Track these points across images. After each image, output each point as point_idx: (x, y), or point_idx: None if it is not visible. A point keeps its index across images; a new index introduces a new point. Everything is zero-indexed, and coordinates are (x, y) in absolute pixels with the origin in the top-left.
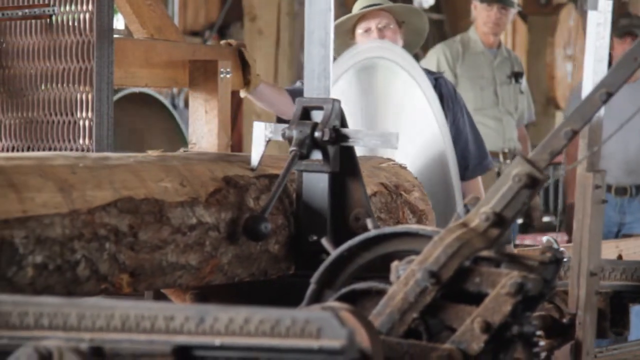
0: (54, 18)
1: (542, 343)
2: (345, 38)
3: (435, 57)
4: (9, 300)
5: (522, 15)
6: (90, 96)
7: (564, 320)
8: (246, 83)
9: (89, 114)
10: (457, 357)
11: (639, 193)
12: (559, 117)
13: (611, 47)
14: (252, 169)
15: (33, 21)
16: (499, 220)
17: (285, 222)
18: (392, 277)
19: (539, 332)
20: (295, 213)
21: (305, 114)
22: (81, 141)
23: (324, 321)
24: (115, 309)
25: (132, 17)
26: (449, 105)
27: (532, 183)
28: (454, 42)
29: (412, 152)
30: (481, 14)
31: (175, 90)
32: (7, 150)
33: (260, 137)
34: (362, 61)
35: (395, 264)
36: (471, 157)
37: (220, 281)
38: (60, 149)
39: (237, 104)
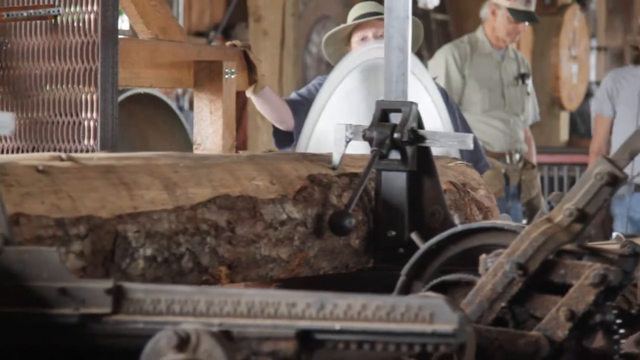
0: (58, 19)
1: (622, 331)
2: (340, 45)
3: (444, 58)
4: (142, 289)
5: None
6: (95, 97)
7: (632, 312)
8: (252, 83)
9: (94, 115)
10: (544, 343)
11: None
12: (564, 117)
13: (638, 41)
14: (334, 168)
15: (38, 22)
16: (582, 216)
17: (365, 218)
18: (481, 269)
19: (618, 321)
20: (374, 210)
21: (384, 116)
22: (86, 142)
23: (437, 307)
24: (242, 296)
25: (136, 18)
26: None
27: (612, 181)
28: (461, 43)
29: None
30: (505, 25)
31: (180, 90)
32: (11, 151)
33: (341, 138)
34: (367, 62)
35: (483, 257)
36: (464, 159)
37: (307, 274)
38: (65, 150)
39: (242, 105)
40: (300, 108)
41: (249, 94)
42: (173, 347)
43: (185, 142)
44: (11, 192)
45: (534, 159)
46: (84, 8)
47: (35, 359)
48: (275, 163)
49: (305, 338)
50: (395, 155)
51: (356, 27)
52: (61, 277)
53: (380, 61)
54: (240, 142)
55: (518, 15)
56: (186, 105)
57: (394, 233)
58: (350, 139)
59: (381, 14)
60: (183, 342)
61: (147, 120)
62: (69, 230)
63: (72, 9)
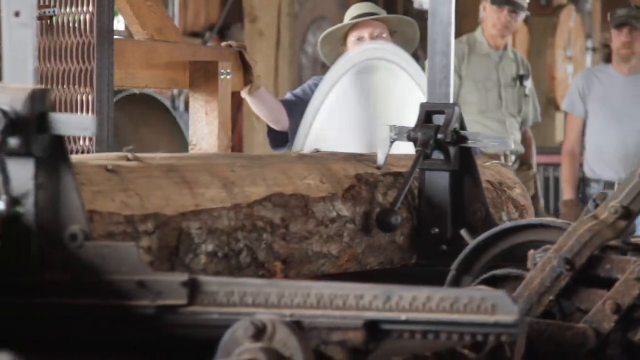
0: (54, 19)
1: None
2: (336, 45)
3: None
4: (216, 282)
5: None
6: (90, 97)
7: None
8: (247, 84)
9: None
10: (590, 335)
11: None
12: (560, 118)
13: (609, 39)
14: (379, 168)
15: None
16: (627, 214)
17: (409, 216)
18: (530, 264)
19: None
20: (418, 208)
21: (428, 117)
22: (81, 142)
23: (498, 299)
24: (311, 288)
25: (132, 19)
26: None
27: None
28: (459, 43)
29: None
30: (491, 16)
31: (176, 91)
32: None
33: (386, 138)
34: (363, 62)
35: (532, 253)
36: None
37: (355, 269)
38: None
39: (237, 106)
40: (296, 109)
41: (244, 94)
42: (250, 337)
43: (181, 143)
44: (84, 190)
45: (534, 160)
46: (79, 9)
47: (115, 349)
48: (324, 163)
49: (373, 328)
50: (438, 155)
51: (352, 28)
52: (139, 271)
53: (376, 62)
54: (236, 143)
55: (499, 2)
56: (182, 107)
57: (437, 230)
58: (394, 140)
59: (376, 14)
60: (260, 332)
61: (143, 121)
62: (138, 227)
63: (68, 9)
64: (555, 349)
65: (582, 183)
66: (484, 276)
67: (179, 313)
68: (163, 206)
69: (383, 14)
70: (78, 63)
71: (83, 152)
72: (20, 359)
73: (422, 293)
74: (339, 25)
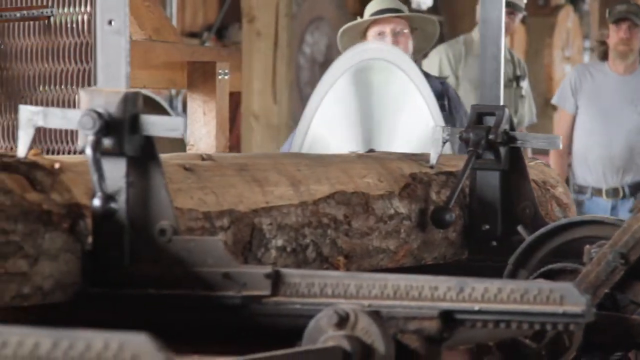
0: (52, 19)
1: None
2: (356, 38)
3: (438, 58)
4: (297, 274)
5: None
6: None
7: None
8: None
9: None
10: None
11: (633, 193)
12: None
13: (606, 35)
14: (431, 167)
15: (31, 22)
16: None
17: (460, 213)
18: (585, 258)
19: None
20: (469, 205)
21: (479, 119)
22: (79, 142)
23: (566, 290)
24: (388, 280)
25: (130, 19)
26: (456, 109)
27: None
28: (456, 43)
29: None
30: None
31: (173, 91)
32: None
33: (438, 139)
34: (360, 62)
35: (587, 248)
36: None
37: (410, 264)
38: (58, 151)
39: (235, 106)
40: None
41: None
42: (333, 325)
43: (178, 143)
44: None
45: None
46: (77, 9)
47: (203, 337)
48: (381, 162)
49: (447, 318)
50: (489, 155)
51: (374, 22)
52: (225, 263)
53: (374, 62)
54: (234, 143)
55: (513, 6)
56: (179, 107)
57: (487, 227)
58: (446, 140)
59: (399, 10)
60: (342, 320)
61: None
62: (215, 223)
63: (66, 9)
64: (610, 340)
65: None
66: (541, 270)
67: (262, 303)
68: (237, 203)
69: (404, 8)
70: (76, 63)
71: (82, 152)
72: (158, 340)
73: (493, 285)
74: (361, 20)
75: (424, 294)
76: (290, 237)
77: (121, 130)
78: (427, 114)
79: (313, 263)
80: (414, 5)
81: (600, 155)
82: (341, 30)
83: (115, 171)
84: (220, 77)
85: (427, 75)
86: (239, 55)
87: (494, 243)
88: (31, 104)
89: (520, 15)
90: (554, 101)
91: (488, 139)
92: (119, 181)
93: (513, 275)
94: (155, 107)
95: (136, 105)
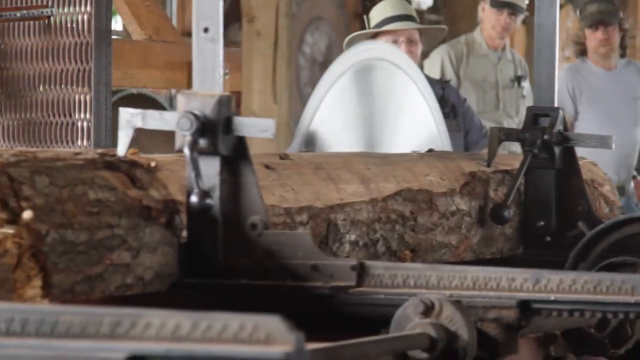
0: (52, 19)
1: None
2: (365, 40)
3: (440, 59)
4: (381, 266)
5: None
6: (88, 97)
7: None
8: None
9: (87, 115)
10: None
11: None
12: None
13: (583, 38)
14: (488, 166)
15: (31, 22)
16: None
17: (516, 210)
18: None
19: None
20: (525, 203)
21: (535, 120)
22: (79, 142)
23: (637, 281)
24: (467, 272)
25: (130, 19)
26: (458, 112)
27: None
28: (458, 44)
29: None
30: (490, 18)
31: (173, 91)
32: None
33: (494, 139)
34: (360, 62)
35: None
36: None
37: (470, 258)
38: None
39: (235, 106)
40: None
41: None
42: (420, 313)
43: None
44: None
45: None
46: (77, 9)
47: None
48: (441, 161)
49: (524, 307)
50: (544, 154)
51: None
52: (313, 256)
53: (374, 62)
54: None
55: (498, 4)
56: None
57: (542, 223)
58: (503, 140)
59: (413, 17)
60: (428, 309)
61: None
62: (295, 218)
63: (66, 9)
64: None
65: None
66: (602, 263)
67: (348, 293)
68: (314, 199)
69: (414, 13)
70: (76, 63)
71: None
72: (291, 324)
73: (567, 276)
74: (375, 30)
75: (501, 285)
76: (362, 232)
77: (216, 131)
78: (427, 114)
79: (382, 257)
80: (414, 5)
81: (614, 155)
82: (351, 36)
83: (210, 169)
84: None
85: (428, 79)
86: (238, 55)
87: (548, 238)
88: (31, 103)
89: (522, 16)
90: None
91: (543, 139)
92: (213, 179)
93: (573, 268)
94: (155, 107)
95: (230, 108)
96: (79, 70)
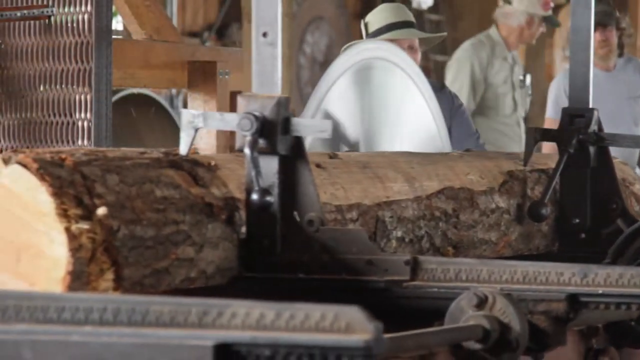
0: (52, 19)
1: None
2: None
3: (469, 65)
4: (434, 261)
5: None
6: (89, 97)
7: None
8: None
9: (88, 115)
10: None
11: None
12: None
13: None
14: (524, 165)
15: (31, 22)
16: None
17: (552, 208)
18: None
19: None
20: (560, 200)
21: (570, 120)
22: (80, 142)
23: None
24: (517, 266)
25: (130, 18)
26: (452, 117)
27: None
28: (483, 46)
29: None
30: (536, 30)
31: (174, 91)
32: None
33: (531, 139)
34: (360, 62)
35: None
36: None
37: (508, 254)
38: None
39: (235, 105)
40: None
41: None
42: (473, 306)
43: (178, 142)
44: None
45: None
46: (77, 8)
47: None
48: (480, 160)
49: (573, 300)
50: (578, 154)
51: (387, 33)
52: (368, 251)
53: (375, 61)
54: (234, 143)
55: (552, 22)
56: (180, 106)
57: (577, 221)
58: (538, 140)
59: (413, 23)
60: (482, 302)
61: (141, 121)
62: (345, 215)
63: (66, 9)
64: None
65: None
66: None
67: (402, 287)
68: (362, 197)
69: (413, 18)
70: (76, 63)
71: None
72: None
73: (614, 271)
74: (382, 36)
75: (550, 279)
76: (408, 228)
77: (274, 131)
78: (427, 113)
79: (426, 253)
80: (414, 5)
81: (613, 153)
82: (350, 44)
83: (269, 168)
84: (220, 76)
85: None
86: (239, 54)
87: (583, 235)
88: (31, 103)
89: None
90: (550, 115)
91: (579, 139)
92: (272, 177)
93: (612, 264)
94: (155, 107)
95: (287, 109)
96: (79, 70)
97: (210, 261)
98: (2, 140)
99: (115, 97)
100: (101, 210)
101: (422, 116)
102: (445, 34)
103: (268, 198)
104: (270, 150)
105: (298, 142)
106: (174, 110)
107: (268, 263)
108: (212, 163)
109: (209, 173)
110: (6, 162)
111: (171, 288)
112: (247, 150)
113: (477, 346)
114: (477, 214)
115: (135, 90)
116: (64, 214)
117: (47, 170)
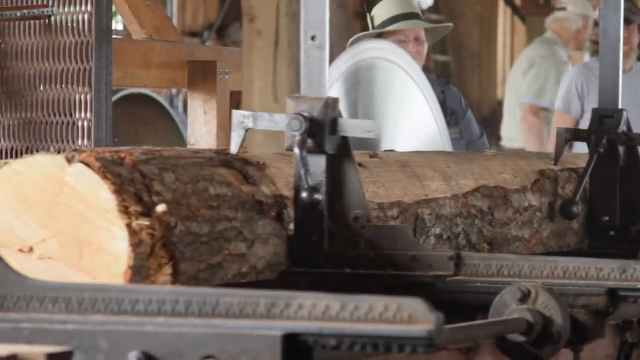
0: (52, 19)
1: None
2: (370, 38)
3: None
4: (477, 256)
5: (521, 16)
6: (89, 97)
7: None
8: None
9: (88, 115)
10: None
11: None
12: (556, 122)
13: (599, 35)
14: (555, 164)
15: (32, 22)
16: None
17: (582, 206)
18: None
19: None
20: (590, 199)
21: (600, 121)
22: (80, 142)
23: None
24: (558, 262)
25: (131, 18)
26: (460, 119)
27: None
28: (556, 57)
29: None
30: (589, 31)
31: (174, 91)
32: (5, 152)
33: (562, 139)
34: (361, 61)
35: None
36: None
37: (540, 251)
38: (59, 151)
39: (236, 105)
40: None
41: None
42: (517, 300)
43: (179, 142)
44: None
45: None
46: (78, 8)
47: None
48: (513, 160)
49: (612, 295)
50: (609, 154)
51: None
52: (412, 247)
53: (376, 61)
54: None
55: (597, 23)
56: (180, 106)
57: (607, 218)
58: (569, 140)
59: (419, 14)
60: (525, 296)
61: (141, 120)
62: (387, 213)
63: (66, 9)
64: None
65: None
66: None
67: (447, 282)
68: (402, 195)
69: (419, 11)
70: (76, 62)
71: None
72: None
73: None
74: (386, 28)
75: (590, 274)
76: (446, 226)
77: (323, 131)
78: (428, 113)
79: (463, 249)
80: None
81: None
82: (357, 36)
83: (317, 167)
84: (221, 76)
85: (429, 79)
86: (239, 54)
87: (613, 233)
88: (31, 103)
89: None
90: (558, 107)
91: (609, 139)
92: (320, 176)
93: None
94: (155, 107)
95: (335, 110)
96: (79, 69)
97: (260, 257)
98: (2, 140)
99: (115, 97)
100: (161, 207)
101: (423, 116)
102: (451, 24)
103: (316, 196)
104: (319, 150)
105: (345, 142)
106: (174, 110)
107: (316, 258)
108: (261, 162)
109: (259, 172)
110: (70, 161)
111: (224, 282)
112: (296, 150)
113: (521, 339)
114: (511, 212)
115: (135, 90)
116: (125, 211)
117: (108, 169)
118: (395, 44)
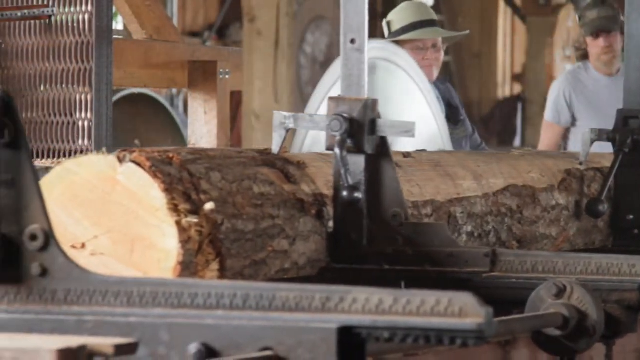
0: (53, 19)
1: None
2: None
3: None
4: (511, 253)
5: (521, 16)
6: (89, 97)
7: None
8: None
9: (88, 115)
10: None
11: None
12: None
13: (585, 45)
14: (580, 164)
15: (32, 22)
16: None
17: (608, 205)
18: None
19: None
20: (615, 198)
21: (625, 121)
22: (80, 142)
23: None
24: (591, 258)
25: (131, 18)
26: (460, 116)
27: None
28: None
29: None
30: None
31: (174, 90)
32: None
33: (587, 139)
34: None
35: None
36: None
37: (566, 249)
38: (59, 150)
39: (236, 105)
40: None
41: None
42: (553, 295)
43: (179, 142)
44: None
45: None
46: (78, 8)
47: None
48: (539, 159)
49: None
50: (634, 153)
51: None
52: (449, 244)
53: (377, 61)
54: (235, 142)
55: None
56: (180, 106)
57: (631, 217)
58: (594, 140)
59: (436, 22)
60: (560, 291)
61: (142, 120)
62: (421, 211)
63: (67, 9)
64: None
65: None
66: None
67: (483, 278)
68: (435, 194)
69: (436, 17)
70: (77, 62)
71: (82, 152)
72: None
73: None
74: (406, 36)
75: (623, 270)
76: (477, 224)
77: (362, 132)
78: (428, 113)
79: (493, 247)
80: None
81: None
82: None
83: (356, 166)
84: (221, 76)
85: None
86: (239, 54)
87: (637, 231)
88: (32, 103)
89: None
90: (547, 119)
91: (633, 139)
92: (359, 175)
93: None
94: (156, 107)
95: (374, 111)
96: (79, 69)
97: (302, 253)
98: None
99: (115, 97)
100: (209, 205)
101: (423, 116)
102: (468, 31)
103: (356, 194)
104: (358, 150)
105: (383, 141)
106: (174, 110)
107: (355, 255)
108: (301, 161)
109: (299, 171)
110: (121, 160)
111: (267, 278)
112: (336, 150)
113: (556, 333)
114: (539, 210)
115: (135, 90)
116: (174, 209)
117: (158, 168)
118: (413, 50)
